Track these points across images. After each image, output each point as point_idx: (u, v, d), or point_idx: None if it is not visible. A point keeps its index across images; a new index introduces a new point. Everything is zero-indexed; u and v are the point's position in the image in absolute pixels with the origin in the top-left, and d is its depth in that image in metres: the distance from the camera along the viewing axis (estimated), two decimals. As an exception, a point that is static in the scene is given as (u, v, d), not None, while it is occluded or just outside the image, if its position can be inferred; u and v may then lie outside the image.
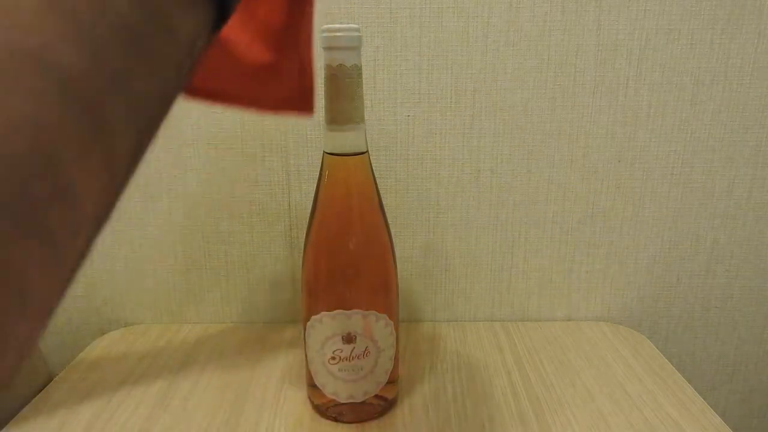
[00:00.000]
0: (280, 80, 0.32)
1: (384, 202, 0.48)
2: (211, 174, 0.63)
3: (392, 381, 0.50)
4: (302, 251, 0.52)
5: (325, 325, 0.46)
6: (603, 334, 0.64)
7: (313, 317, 0.46)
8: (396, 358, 0.50)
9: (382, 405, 0.50)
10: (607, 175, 0.64)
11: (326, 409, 0.49)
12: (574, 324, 0.67)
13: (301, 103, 0.36)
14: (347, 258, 0.46)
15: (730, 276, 0.67)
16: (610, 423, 0.48)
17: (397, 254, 0.49)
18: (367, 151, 0.45)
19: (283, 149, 0.62)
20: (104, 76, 0.15)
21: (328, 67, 0.41)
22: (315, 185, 0.50)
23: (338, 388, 0.48)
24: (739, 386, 0.71)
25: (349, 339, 0.46)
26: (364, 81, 0.58)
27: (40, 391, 0.53)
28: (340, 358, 0.46)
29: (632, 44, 0.60)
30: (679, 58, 0.60)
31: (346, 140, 0.44)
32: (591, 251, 0.66)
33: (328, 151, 0.44)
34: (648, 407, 0.50)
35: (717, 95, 0.62)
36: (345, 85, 0.42)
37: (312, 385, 0.49)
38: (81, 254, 0.16)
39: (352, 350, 0.46)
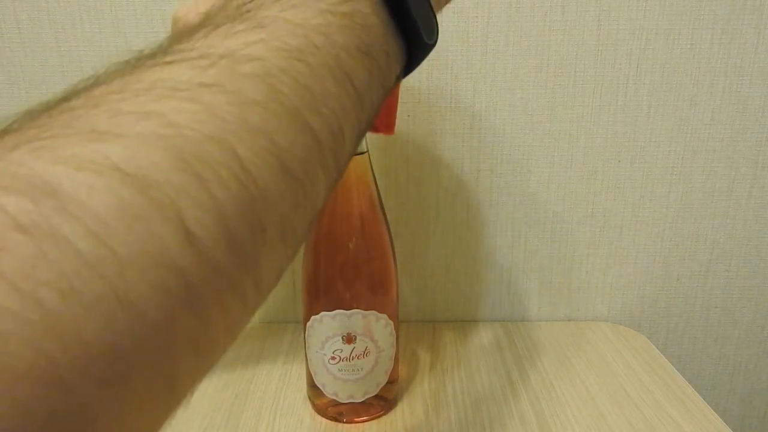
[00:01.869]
0: None
1: (384, 202, 0.48)
2: (211, 174, 0.63)
3: (392, 381, 0.50)
4: (302, 251, 0.52)
5: (325, 325, 0.46)
6: (603, 334, 0.64)
7: (313, 317, 0.46)
8: (396, 358, 0.50)
9: (382, 405, 0.50)
10: (607, 175, 0.64)
11: (326, 409, 0.49)
12: (574, 324, 0.67)
13: (384, 122, 0.39)
14: (347, 258, 0.46)
15: (730, 276, 0.67)
16: (610, 423, 0.48)
17: (398, 254, 0.49)
18: (367, 151, 0.45)
19: (283, 149, 0.62)
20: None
21: None
22: (315, 185, 0.49)
23: (338, 388, 0.48)
24: (739, 386, 0.71)
25: (349, 339, 0.46)
26: (364, 81, 0.58)
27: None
28: (340, 358, 0.46)
29: (632, 44, 0.60)
30: (679, 58, 0.60)
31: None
32: (591, 251, 0.66)
33: (328, 151, 0.44)
34: (648, 407, 0.50)
35: (717, 95, 0.62)
36: None
37: (312, 385, 0.49)
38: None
39: (352, 350, 0.46)
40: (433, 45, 0.27)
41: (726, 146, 0.63)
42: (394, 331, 0.48)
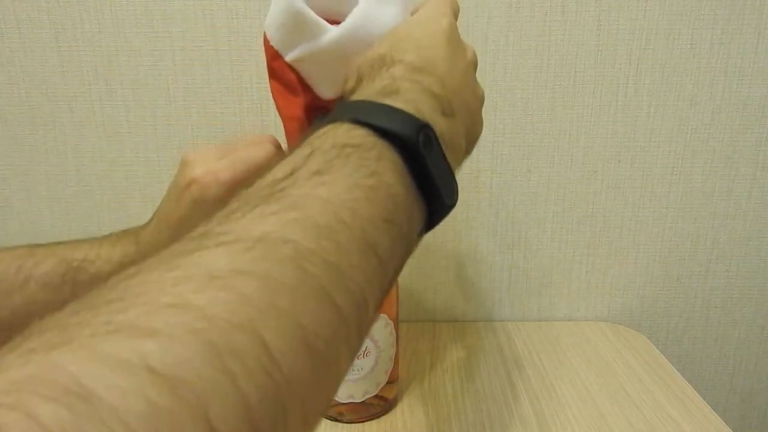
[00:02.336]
0: None
1: (384, 202, 0.48)
2: (211, 174, 0.63)
3: (392, 381, 0.50)
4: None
5: (325, 325, 0.46)
6: (603, 334, 0.64)
7: (313, 317, 0.46)
8: (396, 358, 0.50)
9: (382, 405, 0.50)
10: (607, 175, 0.64)
11: (326, 409, 0.49)
12: (574, 324, 0.67)
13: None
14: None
15: (730, 276, 0.67)
16: (610, 423, 0.48)
17: (397, 254, 0.49)
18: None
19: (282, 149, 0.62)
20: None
21: None
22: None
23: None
24: (739, 386, 0.71)
25: (349, 339, 0.46)
26: (364, 81, 0.58)
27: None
28: (340, 358, 0.46)
29: (632, 44, 0.60)
30: (679, 58, 0.60)
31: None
32: (591, 251, 0.66)
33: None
34: (648, 407, 0.50)
35: (717, 95, 0.62)
36: None
37: (312, 385, 0.49)
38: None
39: (352, 350, 0.46)
40: (453, 205, 0.29)
41: (726, 146, 0.63)
42: (394, 331, 0.48)
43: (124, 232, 0.45)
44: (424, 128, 0.27)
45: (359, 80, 0.33)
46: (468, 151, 0.36)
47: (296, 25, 0.38)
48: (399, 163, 0.26)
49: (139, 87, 0.61)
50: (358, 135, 0.26)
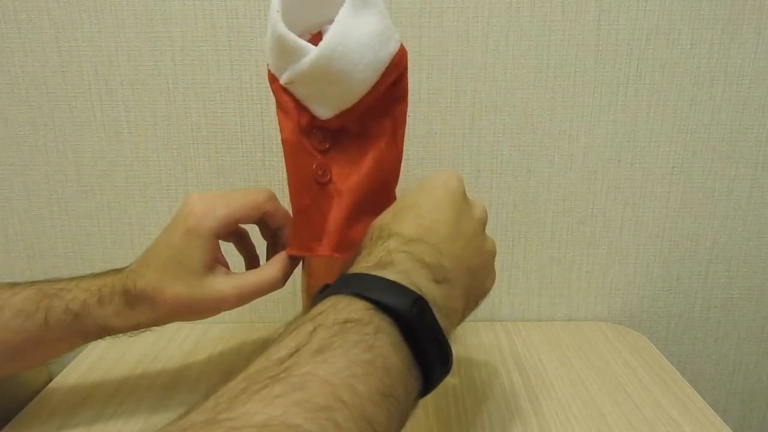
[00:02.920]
0: None
1: (384, 202, 0.48)
2: (211, 174, 0.63)
3: (392, 381, 0.50)
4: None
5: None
6: (603, 334, 0.64)
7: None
8: (396, 358, 0.49)
9: (382, 405, 0.50)
10: (606, 175, 0.64)
11: (326, 409, 0.49)
12: (574, 324, 0.67)
13: None
14: (347, 258, 0.46)
15: (730, 276, 0.67)
16: (610, 423, 0.48)
17: (397, 254, 0.49)
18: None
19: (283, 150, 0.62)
20: None
21: None
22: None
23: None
24: (739, 386, 0.71)
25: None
26: (364, 81, 0.58)
27: (40, 391, 0.53)
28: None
29: (632, 44, 0.60)
30: (679, 58, 0.60)
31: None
32: (591, 251, 0.66)
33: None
34: (648, 407, 0.50)
35: (717, 95, 0.62)
36: None
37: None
38: None
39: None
40: (448, 371, 0.32)
41: (726, 146, 0.63)
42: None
43: (109, 270, 0.46)
44: (417, 300, 0.29)
45: (359, 252, 0.36)
46: (471, 307, 0.39)
47: (282, 49, 0.38)
48: (395, 334, 0.28)
49: (139, 87, 0.61)
50: (358, 309, 0.28)
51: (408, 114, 0.61)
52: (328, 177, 0.41)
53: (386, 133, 0.42)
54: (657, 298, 0.68)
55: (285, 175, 0.43)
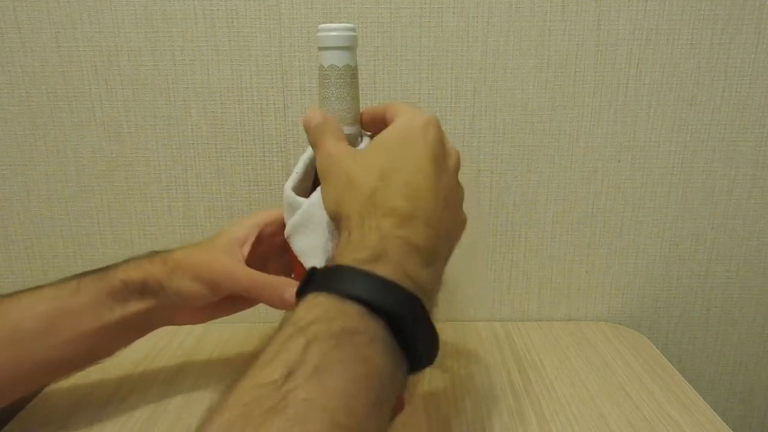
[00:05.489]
0: None
1: (384, 202, 0.47)
2: (211, 174, 0.63)
3: (392, 381, 0.50)
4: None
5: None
6: (603, 334, 0.64)
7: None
8: (396, 358, 0.49)
9: (382, 405, 0.50)
10: (607, 175, 0.64)
11: (326, 409, 0.49)
12: (574, 324, 0.67)
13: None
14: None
15: (730, 276, 0.67)
16: (610, 423, 0.48)
17: (397, 254, 0.49)
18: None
19: (283, 149, 0.62)
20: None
21: (320, 68, 0.41)
22: (315, 185, 0.49)
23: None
24: (739, 386, 0.71)
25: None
26: (364, 81, 0.58)
27: (40, 391, 0.53)
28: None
29: (632, 44, 0.60)
30: (679, 58, 0.60)
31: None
32: (591, 251, 0.66)
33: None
34: (648, 407, 0.50)
35: (717, 95, 0.62)
36: (336, 86, 0.41)
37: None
38: None
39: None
40: (433, 362, 0.33)
41: (726, 146, 0.63)
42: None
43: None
44: (412, 300, 0.30)
45: (349, 228, 0.33)
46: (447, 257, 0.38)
47: (285, 207, 0.44)
48: (388, 339, 0.28)
49: (139, 87, 0.61)
50: (352, 316, 0.28)
51: (408, 114, 0.61)
52: None
53: None
54: (657, 298, 0.68)
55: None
